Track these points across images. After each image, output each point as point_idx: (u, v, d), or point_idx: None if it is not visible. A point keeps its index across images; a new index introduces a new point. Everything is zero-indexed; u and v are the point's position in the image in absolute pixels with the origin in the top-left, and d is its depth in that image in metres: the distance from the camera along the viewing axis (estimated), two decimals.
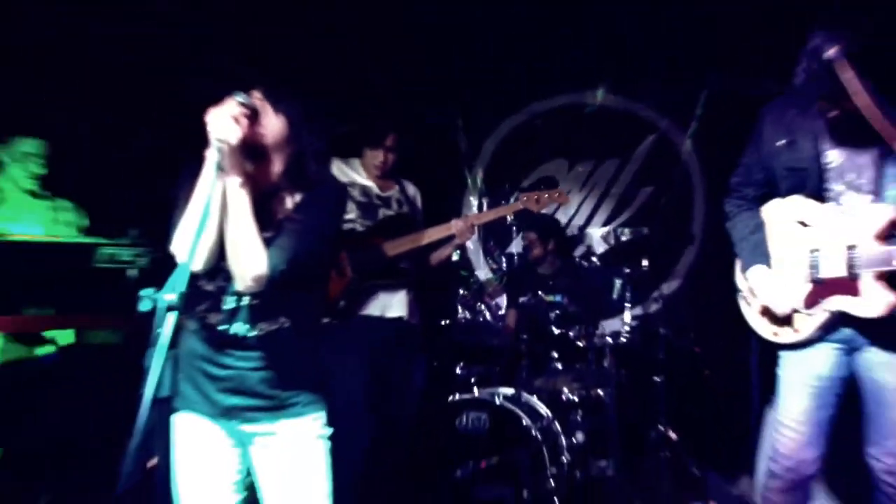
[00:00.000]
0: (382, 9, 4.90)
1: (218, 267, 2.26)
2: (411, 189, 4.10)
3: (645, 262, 4.81)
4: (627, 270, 4.78)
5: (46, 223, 3.76)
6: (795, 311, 2.72)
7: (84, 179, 3.97)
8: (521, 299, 4.81)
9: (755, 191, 2.92)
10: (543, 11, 5.22)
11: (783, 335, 2.79)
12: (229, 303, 2.28)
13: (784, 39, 2.68)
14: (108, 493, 1.79)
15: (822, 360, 2.73)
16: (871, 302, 2.52)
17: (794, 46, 2.56)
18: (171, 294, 1.82)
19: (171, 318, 1.81)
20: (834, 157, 2.68)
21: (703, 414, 4.85)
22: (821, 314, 2.67)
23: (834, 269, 2.61)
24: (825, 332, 2.69)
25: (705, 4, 4.88)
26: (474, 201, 6.15)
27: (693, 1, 4.91)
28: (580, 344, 4.63)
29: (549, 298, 4.72)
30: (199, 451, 2.33)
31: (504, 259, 5.74)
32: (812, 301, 2.68)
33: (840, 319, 2.65)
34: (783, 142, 2.76)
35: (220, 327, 2.28)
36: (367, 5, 4.83)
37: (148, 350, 1.84)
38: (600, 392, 4.54)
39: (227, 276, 2.24)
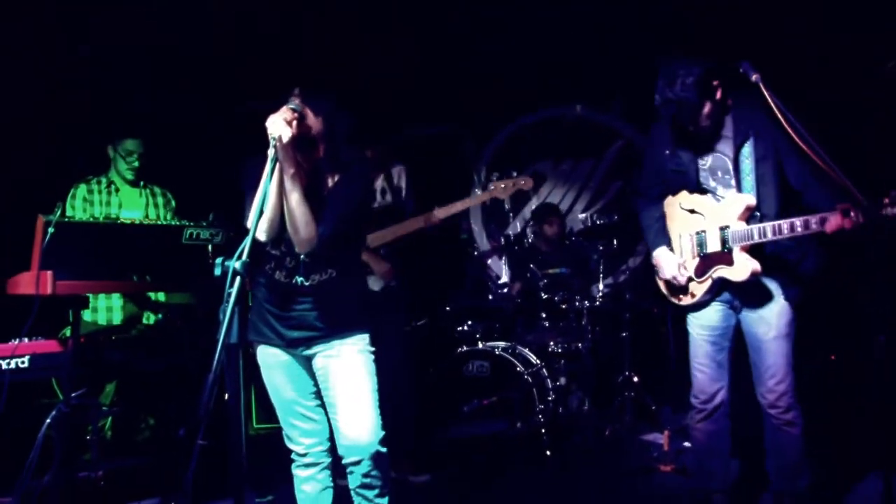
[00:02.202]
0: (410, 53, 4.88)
1: (280, 236, 2.34)
2: (395, 172, 3.71)
3: (615, 242, 4.79)
4: (601, 248, 4.74)
5: (142, 207, 3.80)
6: (690, 279, 2.81)
7: (174, 173, 3.99)
8: (529, 268, 4.74)
9: (655, 190, 2.96)
10: (535, 46, 5.21)
11: (684, 300, 2.87)
12: (290, 261, 2.37)
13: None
14: (194, 414, 1.83)
15: (713, 315, 2.82)
16: (739, 268, 2.65)
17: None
18: (236, 262, 1.84)
19: (237, 281, 1.83)
20: (706, 160, 2.75)
21: (659, 361, 4.83)
22: (707, 281, 2.76)
23: (713, 244, 2.73)
24: (712, 294, 2.78)
25: (657, 41, 4.84)
26: (479, 193, 6.10)
27: (647, 38, 4.85)
28: (563, 306, 4.63)
29: (554, 270, 4.68)
30: (279, 371, 2.44)
31: (503, 239, 5.71)
32: (701, 271, 2.78)
33: (722, 284, 2.74)
34: (668, 151, 2.82)
35: (284, 280, 2.38)
36: (397, 48, 4.80)
37: (221, 306, 1.86)
38: (579, 345, 4.55)
39: (288, 242, 2.33)
